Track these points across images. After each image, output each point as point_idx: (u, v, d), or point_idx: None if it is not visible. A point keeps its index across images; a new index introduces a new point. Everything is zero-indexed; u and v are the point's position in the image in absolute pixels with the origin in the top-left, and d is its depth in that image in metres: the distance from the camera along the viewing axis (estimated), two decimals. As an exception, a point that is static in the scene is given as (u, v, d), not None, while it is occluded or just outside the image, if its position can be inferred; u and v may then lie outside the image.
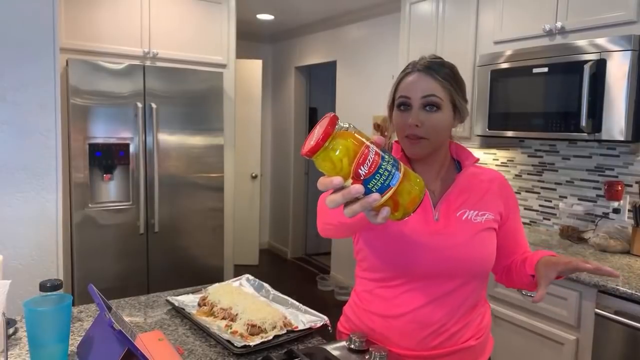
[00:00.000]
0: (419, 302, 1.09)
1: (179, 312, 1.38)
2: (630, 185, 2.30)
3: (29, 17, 1.99)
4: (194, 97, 3.20)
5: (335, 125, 0.64)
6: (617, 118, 1.97)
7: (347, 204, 0.67)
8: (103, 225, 2.95)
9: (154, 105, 3.03)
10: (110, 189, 2.98)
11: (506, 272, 1.25)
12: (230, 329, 1.23)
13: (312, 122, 5.55)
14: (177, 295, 1.48)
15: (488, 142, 2.69)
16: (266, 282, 1.57)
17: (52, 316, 0.97)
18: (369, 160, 0.64)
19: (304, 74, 5.30)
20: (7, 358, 1.05)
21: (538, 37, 2.33)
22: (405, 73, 1.12)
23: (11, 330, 1.20)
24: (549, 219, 2.69)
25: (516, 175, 2.83)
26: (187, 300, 1.44)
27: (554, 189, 2.65)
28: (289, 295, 1.46)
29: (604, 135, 2.01)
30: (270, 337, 1.17)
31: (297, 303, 1.40)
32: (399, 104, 1.10)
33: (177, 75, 3.14)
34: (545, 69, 2.19)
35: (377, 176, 0.65)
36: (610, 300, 1.79)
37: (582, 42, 2.08)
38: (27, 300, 0.97)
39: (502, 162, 2.90)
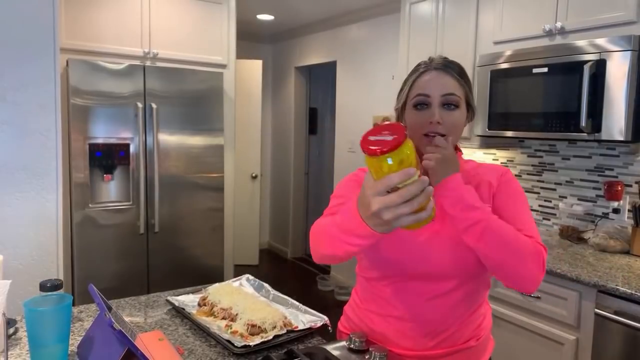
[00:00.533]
0: (416, 302, 1.09)
1: (179, 312, 1.38)
2: (630, 186, 2.30)
3: (29, 17, 1.99)
4: (194, 97, 3.20)
5: (402, 145, 0.73)
6: (616, 118, 1.97)
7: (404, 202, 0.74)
8: (103, 225, 2.95)
9: (154, 106, 3.03)
10: (111, 189, 2.98)
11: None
12: (231, 328, 1.23)
13: (312, 122, 5.55)
14: (177, 295, 1.48)
15: (488, 142, 2.70)
16: (266, 282, 1.57)
17: (52, 316, 0.97)
18: (413, 170, 0.75)
19: (304, 74, 5.30)
20: (7, 358, 1.06)
21: (538, 37, 2.33)
22: (420, 72, 1.11)
23: (11, 330, 1.20)
24: (549, 219, 2.69)
25: (516, 175, 2.83)
26: (187, 300, 1.44)
27: (554, 189, 2.65)
28: (289, 295, 1.46)
29: (604, 136, 2.01)
30: (270, 337, 1.17)
31: (297, 303, 1.40)
32: (416, 102, 1.09)
33: (177, 76, 3.14)
34: (545, 69, 2.19)
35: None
36: (610, 300, 1.79)
37: (582, 43, 2.08)
38: (27, 300, 0.98)
39: (501, 162, 2.91)
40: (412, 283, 1.10)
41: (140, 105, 3.00)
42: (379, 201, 0.75)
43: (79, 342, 1.14)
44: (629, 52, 1.92)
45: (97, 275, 2.92)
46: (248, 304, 1.30)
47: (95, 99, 2.87)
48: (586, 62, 2.03)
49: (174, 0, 3.25)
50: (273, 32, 5.33)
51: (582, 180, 2.52)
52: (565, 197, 2.60)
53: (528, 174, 2.78)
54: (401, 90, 1.15)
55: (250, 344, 1.14)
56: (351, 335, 1.07)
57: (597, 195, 2.45)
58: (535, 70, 2.23)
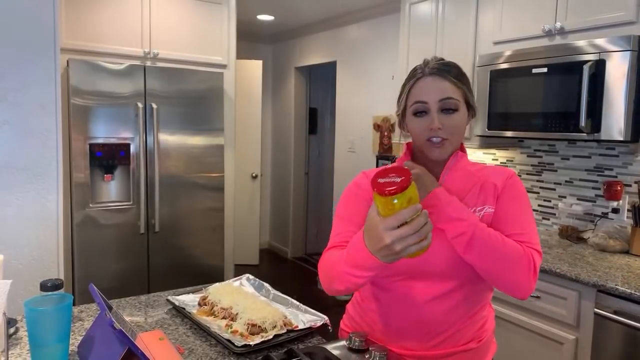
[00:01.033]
0: (415, 302, 1.10)
1: (180, 312, 1.39)
2: (630, 185, 2.31)
3: (29, 18, 1.99)
4: (195, 98, 3.21)
5: (409, 185, 0.84)
6: (616, 118, 1.97)
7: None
8: (104, 225, 2.96)
9: (154, 106, 3.04)
10: (111, 189, 2.98)
11: None
12: (231, 328, 1.23)
13: (312, 122, 5.56)
14: (178, 295, 1.48)
15: (487, 142, 2.70)
16: (266, 281, 1.58)
17: (52, 316, 0.98)
18: (419, 206, 0.86)
19: (304, 74, 5.30)
20: (7, 357, 1.06)
21: (537, 37, 2.33)
22: (415, 79, 1.10)
23: (12, 330, 1.20)
24: (548, 219, 2.69)
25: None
26: (188, 299, 1.44)
27: (553, 189, 2.66)
28: (289, 295, 1.46)
29: (603, 136, 2.02)
30: (271, 337, 1.18)
31: (297, 302, 1.41)
32: (415, 110, 1.09)
33: (178, 76, 3.14)
34: (545, 69, 2.20)
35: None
36: (609, 300, 1.79)
37: (581, 43, 2.08)
38: (27, 300, 0.98)
39: (501, 162, 2.91)
40: (412, 283, 1.10)
41: (140, 105, 3.00)
42: (392, 235, 0.84)
43: (79, 341, 1.14)
44: (629, 52, 1.92)
45: (98, 274, 2.93)
46: (248, 304, 1.30)
47: (96, 99, 2.87)
48: (586, 62, 2.03)
49: (174, 0, 3.26)
50: (273, 32, 5.34)
51: (581, 180, 2.52)
52: (565, 197, 2.60)
53: (528, 173, 2.78)
54: (400, 96, 1.15)
55: (251, 343, 1.14)
56: (351, 335, 1.07)
57: (596, 195, 2.46)
58: (534, 71, 2.23)
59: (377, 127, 4.08)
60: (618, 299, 1.77)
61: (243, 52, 4.91)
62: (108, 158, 2.94)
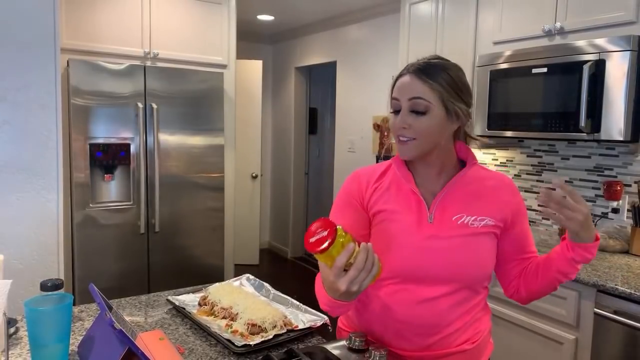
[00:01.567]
0: (410, 303, 1.10)
1: (180, 312, 1.39)
2: (629, 185, 2.31)
3: (29, 18, 1.99)
4: (195, 98, 3.21)
5: (336, 234, 0.90)
6: (616, 118, 1.97)
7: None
8: (104, 225, 2.96)
9: (154, 106, 3.04)
10: (111, 189, 2.98)
11: (523, 281, 1.18)
12: (231, 328, 1.23)
13: (312, 122, 5.56)
14: (178, 295, 1.48)
15: (487, 142, 2.70)
16: (266, 281, 1.58)
17: (52, 316, 0.98)
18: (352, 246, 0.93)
19: (304, 74, 5.30)
20: (8, 357, 1.06)
21: (537, 37, 2.33)
22: (400, 75, 1.11)
23: (12, 330, 1.20)
24: (548, 219, 2.69)
25: (515, 175, 2.84)
26: (188, 299, 1.44)
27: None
28: (289, 295, 1.46)
29: (603, 136, 2.02)
30: (271, 337, 1.18)
31: (297, 302, 1.41)
32: (392, 106, 1.11)
33: (178, 76, 3.14)
34: (545, 69, 2.20)
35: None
36: (609, 300, 1.80)
37: (581, 43, 2.08)
38: (27, 300, 0.98)
39: (501, 162, 2.91)
40: (407, 285, 1.10)
41: (140, 105, 3.00)
42: (343, 281, 0.92)
43: (79, 341, 1.14)
44: (629, 52, 1.92)
45: (98, 274, 2.93)
46: (248, 304, 1.30)
47: (96, 99, 2.87)
48: (585, 62, 2.03)
49: (174, 0, 3.26)
50: (273, 32, 5.34)
51: (581, 180, 2.52)
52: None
53: (527, 173, 2.78)
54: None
55: (251, 343, 1.14)
56: (351, 335, 1.08)
57: (596, 195, 2.46)
58: (534, 71, 2.24)
59: (377, 127, 4.08)
60: (618, 299, 1.77)
61: (243, 52, 4.91)
62: (108, 158, 2.94)
